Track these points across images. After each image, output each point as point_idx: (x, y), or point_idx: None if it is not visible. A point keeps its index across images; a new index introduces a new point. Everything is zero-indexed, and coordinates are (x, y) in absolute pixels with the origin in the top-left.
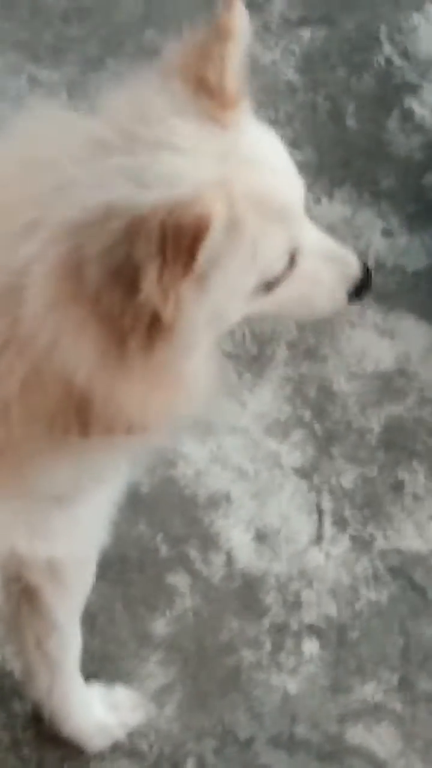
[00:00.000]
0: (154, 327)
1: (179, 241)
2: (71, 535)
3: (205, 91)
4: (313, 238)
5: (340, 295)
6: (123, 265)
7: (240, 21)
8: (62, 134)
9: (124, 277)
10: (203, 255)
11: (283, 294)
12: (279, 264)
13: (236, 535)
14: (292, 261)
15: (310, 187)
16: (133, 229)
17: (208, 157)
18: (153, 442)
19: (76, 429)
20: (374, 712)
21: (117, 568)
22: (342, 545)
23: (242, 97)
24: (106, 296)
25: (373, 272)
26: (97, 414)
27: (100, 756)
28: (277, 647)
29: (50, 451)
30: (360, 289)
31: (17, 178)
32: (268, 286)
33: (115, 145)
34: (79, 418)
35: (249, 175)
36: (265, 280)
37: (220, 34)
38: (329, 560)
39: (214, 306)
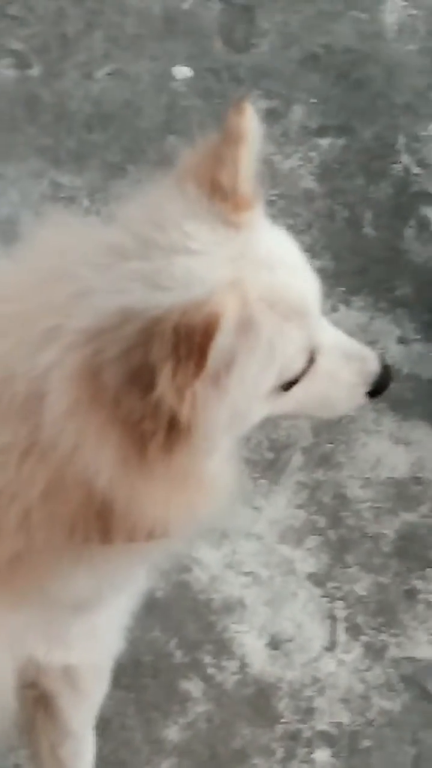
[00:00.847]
0: (173, 429)
1: (191, 340)
2: (88, 643)
3: (219, 194)
4: (330, 336)
5: (359, 391)
6: (140, 367)
7: (250, 123)
8: (79, 242)
9: (142, 379)
10: (215, 353)
11: (302, 392)
12: (298, 363)
13: (250, 642)
14: (311, 359)
15: (327, 294)
16: (148, 331)
17: (222, 258)
18: (173, 547)
19: (98, 536)
20: None
21: (131, 673)
22: (355, 653)
23: (256, 199)
24: (125, 400)
25: (390, 370)
26: (118, 520)
27: None
28: (289, 755)
29: (70, 559)
30: (379, 386)
31: (36, 287)
32: (288, 385)
33: (130, 251)
34: (100, 524)
35: (263, 275)
36: (284, 379)
37: (231, 137)
38: (342, 668)
39: (233, 406)
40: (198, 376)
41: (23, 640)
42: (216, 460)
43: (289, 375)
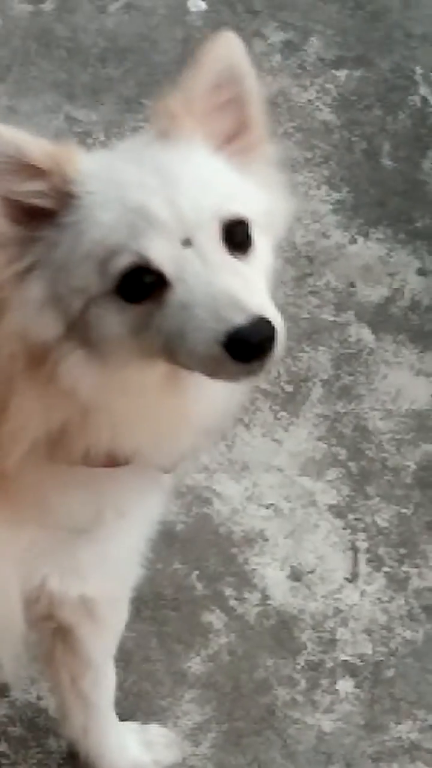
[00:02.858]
0: None
1: None
2: (102, 572)
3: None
4: (205, 272)
5: (211, 337)
6: None
7: (214, 47)
8: None
9: None
10: None
11: (158, 319)
12: (121, 261)
13: (271, 574)
14: (162, 282)
15: (345, 227)
16: None
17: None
18: (151, 477)
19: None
20: (409, 751)
21: (152, 605)
22: (377, 584)
23: (191, 116)
24: None
25: (277, 332)
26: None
27: None
28: (312, 685)
29: (51, 477)
30: (241, 342)
31: None
32: (129, 295)
33: None
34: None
35: (123, 168)
36: (109, 273)
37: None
38: (364, 599)
39: (51, 287)
40: None
41: (33, 566)
42: (74, 373)
43: (113, 270)
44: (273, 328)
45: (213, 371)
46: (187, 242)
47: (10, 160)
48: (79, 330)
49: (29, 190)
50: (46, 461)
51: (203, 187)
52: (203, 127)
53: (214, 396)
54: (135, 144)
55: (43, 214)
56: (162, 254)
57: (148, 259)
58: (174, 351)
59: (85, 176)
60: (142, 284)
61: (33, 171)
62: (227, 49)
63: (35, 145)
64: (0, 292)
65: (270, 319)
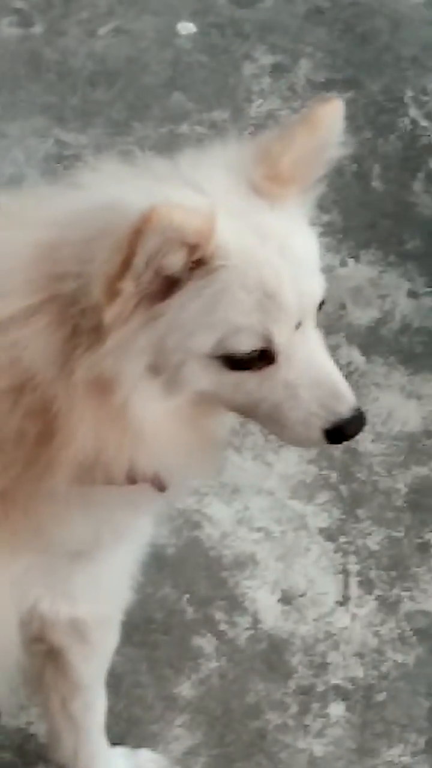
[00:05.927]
0: (97, 329)
1: (126, 237)
2: (93, 594)
3: (266, 162)
4: (310, 354)
5: (316, 423)
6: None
7: (327, 114)
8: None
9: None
10: (142, 251)
11: (253, 387)
12: (243, 341)
13: (262, 597)
14: (268, 356)
15: (336, 249)
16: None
17: (224, 206)
18: (156, 498)
19: (44, 465)
20: None
21: (142, 630)
22: (368, 607)
23: (296, 182)
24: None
25: (361, 424)
26: (58, 446)
27: None
28: (303, 710)
29: (53, 499)
30: (340, 431)
31: None
32: (232, 363)
33: (161, 175)
34: (41, 449)
35: (251, 238)
36: (224, 349)
37: (303, 120)
38: (355, 622)
39: (160, 341)
40: (124, 273)
41: (25, 589)
42: (145, 405)
43: (230, 348)
44: (365, 418)
45: (297, 442)
46: (298, 325)
47: (171, 241)
48: (164, 374)
49: (175, 263)
50: (72, 483)
51: (315, 272)
52: (302, 192)
53: (229, 419)
54: (235, 190)
55: (176, 281)
56: (283, 338)
57: (273, 343)
58: (259, 415)
59: (222, 250)
60: (248, 357)
61: (182, 246)
62: (335, 120)
63: (189, 223)
64: (104, 330)
65: (362, 409)
